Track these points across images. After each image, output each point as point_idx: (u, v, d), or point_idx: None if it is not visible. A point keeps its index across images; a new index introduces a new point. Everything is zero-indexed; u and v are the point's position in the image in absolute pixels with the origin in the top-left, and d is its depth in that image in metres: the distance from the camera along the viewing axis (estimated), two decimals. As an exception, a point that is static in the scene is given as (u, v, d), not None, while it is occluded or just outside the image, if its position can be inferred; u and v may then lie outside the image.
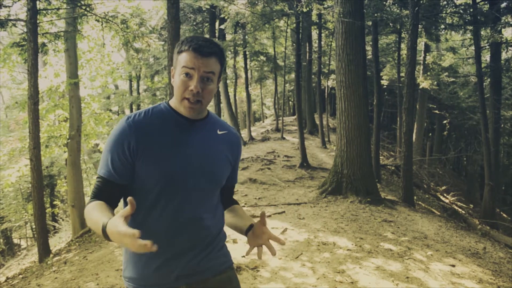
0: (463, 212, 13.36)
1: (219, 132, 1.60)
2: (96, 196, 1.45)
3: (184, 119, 1.49)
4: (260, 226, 1.52)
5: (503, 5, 11.54)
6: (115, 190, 1.46)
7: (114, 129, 1.44)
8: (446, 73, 16.75)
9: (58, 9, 9.17)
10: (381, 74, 16.57)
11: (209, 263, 1.55)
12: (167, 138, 1.45)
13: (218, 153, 1.56)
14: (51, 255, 6.83)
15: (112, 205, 1.45)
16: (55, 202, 18.53)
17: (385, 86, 20.23)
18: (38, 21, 7.17)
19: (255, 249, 1.55)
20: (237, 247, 4.99)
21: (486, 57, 17.56)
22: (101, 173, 1.44)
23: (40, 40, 8.54)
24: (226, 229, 1.70)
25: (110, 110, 23.03)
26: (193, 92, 1.40)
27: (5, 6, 7.88)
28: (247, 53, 18.83)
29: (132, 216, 1.48)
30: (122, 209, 1.22)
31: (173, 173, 1.44)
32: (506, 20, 11.14)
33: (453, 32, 15.32)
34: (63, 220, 16.74)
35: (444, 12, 12.10)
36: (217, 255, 1.59)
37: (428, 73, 15.87)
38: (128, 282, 1.54)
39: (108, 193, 1.45)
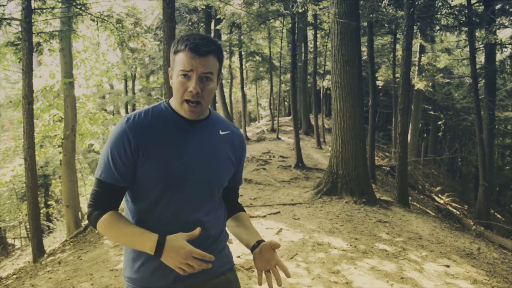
0: (458, 212, 13.42)
1: (221, 133, 1.56)
2: (99, 204, 1.44)
3: (184, 120, 1.47)
4: (270, 250, 1.51)
5: (498, 6, 11.57)
6: (117, 194, 1.45)
7: (114, 131, 1.43)
8: (441, 74, 16.81)
9: (53, 8, 9.14)
10: (376, 75, 16.58)
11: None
12: (166, 139, 1.44)
13: (220, 154, 1.53)
14: (45, 255, 6.80)
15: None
16: (49, 202, 18.44)
17: (380, 87, 20.28)
18: (33, 20, 7.15)
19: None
20: (232, 247, 4.97)
21: (480, 58, 17.65)
22: (101, 177, 1.42)
23: (35, 39, 8.51)
24: None
25: (105, 110, 22.96)
26: (193, 93, 1.37)
27: (0, 5, 7.84)
28: (242, 53, 18.80)
29: (131, 217, 1.50)
30: (184, 233, 1.35)
31: (171, 174, 1.42)
32: (501, 22, 11.16)
33: (448, 33, 15.41)
34: (57, 220, 16.69)
35: (439, 13, 12.13)
36: (217, 257, 1.57)
37: (423, 74, 15.91)
38: (127, 282, 1.54)
39: (110, 198, 1.44)
